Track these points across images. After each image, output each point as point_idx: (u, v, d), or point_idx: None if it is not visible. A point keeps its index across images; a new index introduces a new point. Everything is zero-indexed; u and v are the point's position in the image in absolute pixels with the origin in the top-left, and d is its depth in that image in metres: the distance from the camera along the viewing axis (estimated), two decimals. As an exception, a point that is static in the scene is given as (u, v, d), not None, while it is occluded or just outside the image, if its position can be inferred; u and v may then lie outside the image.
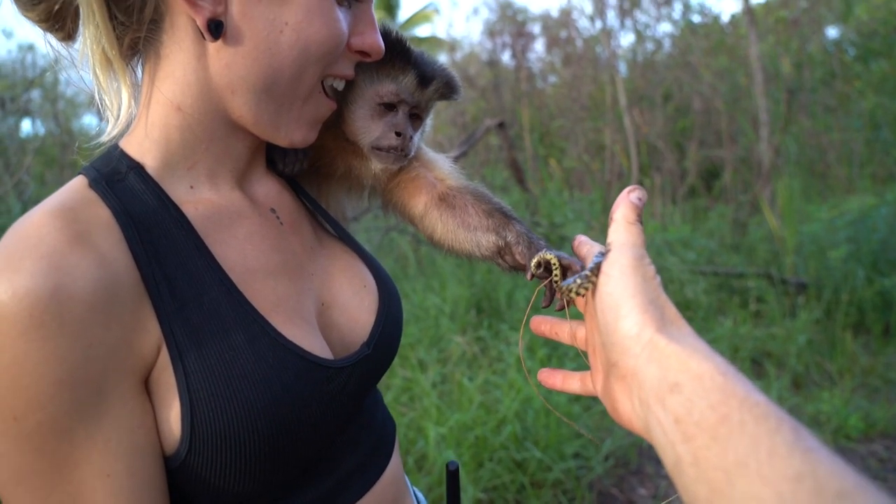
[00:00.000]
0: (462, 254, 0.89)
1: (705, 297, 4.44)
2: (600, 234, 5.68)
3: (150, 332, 0.59)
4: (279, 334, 0.65)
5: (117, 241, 0.60)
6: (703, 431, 0.44)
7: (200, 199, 0.71)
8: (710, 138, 8.43)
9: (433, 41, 11.28)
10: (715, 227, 6.18)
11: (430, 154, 0.95)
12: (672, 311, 0.54)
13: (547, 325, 0.77)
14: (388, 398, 3.20)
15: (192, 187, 0.71)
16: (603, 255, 0.61)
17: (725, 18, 10.08)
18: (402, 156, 0.85)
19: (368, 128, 0.84)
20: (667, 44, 9.31)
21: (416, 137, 0.87)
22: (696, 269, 4.72)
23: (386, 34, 0.80)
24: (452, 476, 0.95)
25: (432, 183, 0.91)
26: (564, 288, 0.63)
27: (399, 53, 0.83)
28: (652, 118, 8.29)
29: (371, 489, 0.76)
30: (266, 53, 0.65)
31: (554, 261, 0.70)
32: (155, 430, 0.60)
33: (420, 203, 0.90)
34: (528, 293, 4.33)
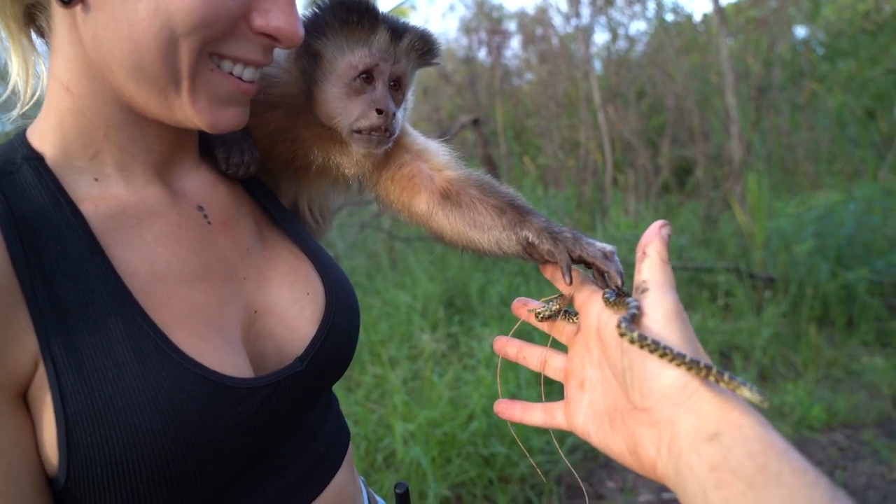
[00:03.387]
0: (481, 254, 0.81)
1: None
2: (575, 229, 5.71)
3: (27, 346, 0.53)
4: (177, 350, 0.58)
5: None
6: (738, 479, 0.45)
7: (105, 194, 0.65)
8: (683, 135, 8.52)
9: (409, 38, 11.15)
10: (686, 223, 6.25)
11: (421, 140, 0.86)
12: (707, 360, 0.53)
13: (513, 348, 0.73)
14: (357, 395, 3.18)
15: (96, 180, 0.65)
16: (641, 292, 0.58)
17: (698, 17, 10.21)
18: (387, 137, 0.76)
19: (345, 108, 0.75)
20: (640, 42, 9.40)
21: (400, 114, 0.78)
22: (666, 265, 4.77)
23: None
24: (401, 499, 0.90)
25: (429, 175, 0.83)
26: (612, 303, 0.58)
27: (364, 14, 0.74)
28: (626, 115, 8.35)
29: None
30: (124, 24, 0.57)
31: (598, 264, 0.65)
32: (34, 451, 0.54)
33: (422, 202, 0.82)
34: (501, 289, 4.34)
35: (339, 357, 0.76)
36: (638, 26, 12.60)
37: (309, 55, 0.76)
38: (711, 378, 0.52)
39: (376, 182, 0.86)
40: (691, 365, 0.52)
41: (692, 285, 4.74)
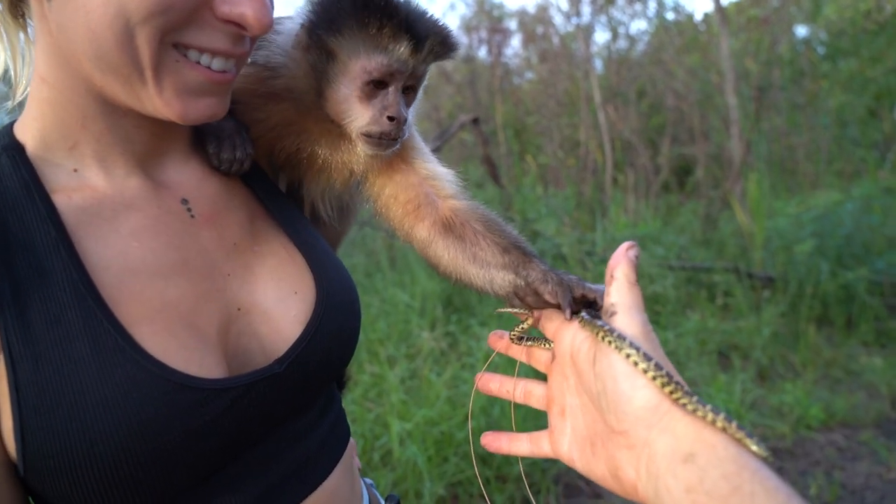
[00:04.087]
0: (471, 287, 0.80)
1: (674, 291, 4.48)
2: (572, 230, 5.71)
3: None
4: (136, 347, 0.57)
5: None
6: (714, 500, 0.46)
7: (83, 186, 0.64)
8: (683, 135, 8.52)
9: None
10: (686, 223, 6.25)
11: (431, 164, 0.84)
12: (678, 377, 0.54)
13: (496, 383, 0.73)
14: (354, 394, 3.18)
15: (76, 171, 0.64)
16: (610, 315, 0.59)
17: (699, 17, 10.20)
18: (395, 141, 0.74)
19: (356, 111, 0.73)
20: (641, 41, 9.40)
21: (410, 116, 0.77)
22: (665, 264, 4.77)
23: None
24: None
25: (433, 202, 0.81)
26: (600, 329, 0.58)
27: (387, 20, 0.69)
28: (626, 115, 8.35)
29: None
30: (81, 11, 0.55)
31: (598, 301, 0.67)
32: None
33: (423, 230, 0.81)
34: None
35: (328, 359, 0.74)
36: (639, 25, 12.64)
37: (321, 51, 0.73)
38: (678, 397, 0.52)
39: (378, 194, 0.84)
40: (660, 376, 0.53)
41: (691, 285, 4.73)
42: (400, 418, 2.85)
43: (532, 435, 0.68)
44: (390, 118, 0.72)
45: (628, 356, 0.54)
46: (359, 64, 0.71)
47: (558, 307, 0.68)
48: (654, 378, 0.53)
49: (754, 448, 0.48)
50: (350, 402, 3.11)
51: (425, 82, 0.81)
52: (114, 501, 0.56)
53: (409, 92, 0.77)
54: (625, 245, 0.61)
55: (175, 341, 0.60)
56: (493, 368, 0.78)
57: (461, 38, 10.56)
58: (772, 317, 4.17)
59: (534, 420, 2.56)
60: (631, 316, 0.58)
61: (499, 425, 2.83)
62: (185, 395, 0.58)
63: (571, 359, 0.62)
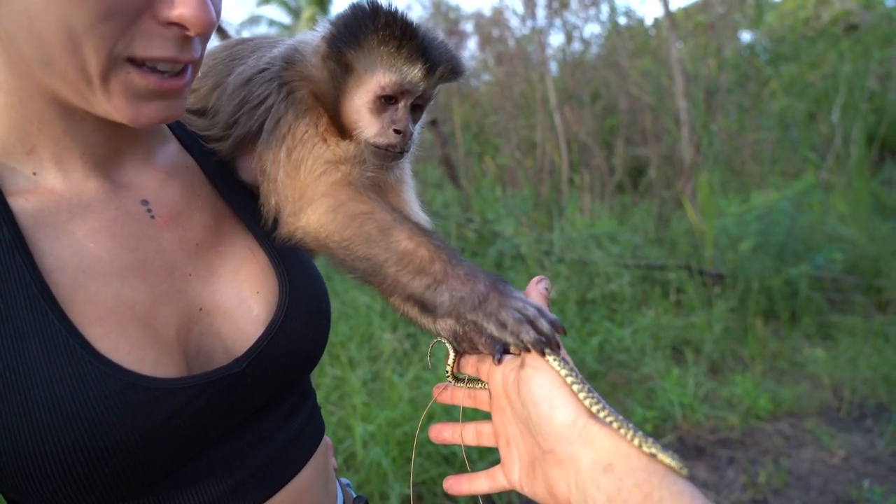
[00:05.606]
0: (416, 325, 0.83)
1: (630, 288, 4.60)
2: (530, 230, 5.79)
3: None
4: (87, 347, 0.58)
5: None
6: None
7: (40, 188, 0.64)
8: (636, 137, 8.75)
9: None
10: (640, 222, 6.41)
11: (412, 203, 0.86)
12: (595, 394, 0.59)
13: (449, 432, 0.78)
14: (318, 397, 3.15)
15: (35, 174, 0.64)
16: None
17: (649, 21, 10.49)
18: (401, 154, 0.77)
19: (366, 122, 0.76)
20: (595, 44, 9.59)
21: (416, 132, 0.80)
22: (620, 263, 4.89)
23: (392, 14, 0.72)
24: None
25: None
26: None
27: (406, 43, 0.73)
28: (581, 116, 8.51)
29: None
30: (23, 17, 0.55)
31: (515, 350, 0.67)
32: None
33: None
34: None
35: (292, 359, 0.74)
36: (592, 29, 12.85)
37: (339, 62, 0.75)
38: (605, 415, 0.56)
39: None
40: (589, 397, 0.57)
41: (645, 283, 4.87)
42: (363, 420, 2.84)
43: (489, 471, 0.72)
44: (397, 131, 0.76)
45: (570, 381, 0.59)
46: (374, 78, 0.74)
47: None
48: (584, 399, 0.58)
49: (668, 461, 0.52)
50: (312, 406, 3.08)
51: (432, 102, 0.84)
52: (68, 498, 0.57)
53: (416, 110, 0.80)
54: (535, 280, 0.68)
55: (128, 341, 0.61)
56: (441, 410, 0.81)
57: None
58: (722, 312, 4.32)
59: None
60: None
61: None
62: (136, 395, 0.58)
63: (504, 391, 0.66)
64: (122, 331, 0.61)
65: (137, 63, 0.60)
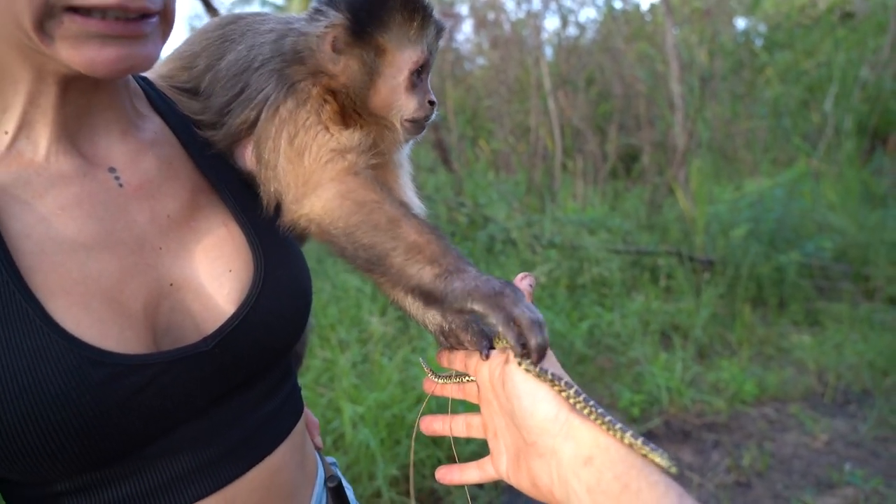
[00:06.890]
0: (406, 314, 0.84)
1: (620, 274, 4.62)
2: (522, 214, 5.78)
3: None
4: (47, 318, 0.57)
5: None
6: (609, 499, 0.53)
7: (14, 157, 0.63)
8: (630, 122, 8.72)
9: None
10: (632, 208, 6.42)
11: (407, 189, 0.86)
12: (576, 388, 0.60)
13: (439, 423, 0.79)
14: (307, 379, 3.16)
15: (6, 133, 0.63)
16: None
17: (645, 6, 10.42)
18: (427, 123, 0.80)
19: (405, 100, 0.76)
20: (590, 29, 9.53)
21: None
22: (611, 248, 4.90)
23: None
24: (334, 493, 0.88)
25: None
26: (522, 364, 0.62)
27: (423, 12, 0.75)
28: (575, 102, 8.47)
29: (222, 489, 0.69)
30: None
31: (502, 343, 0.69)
32: None
33: None
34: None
35: (266, 339, 0.72)
36: (588, 13, 12.77)
37: (369, 47, 0.75)
38: (586, 411, 0.58)
39: None
40: (561, 386, 0.59)
41: (636, 268, 4.89)
42: (352, 402, 2.85)
43: (479, 462, 0.74)
44: (431, 102, 0.78)
45: (553, 384, 0.60)
46: (405, 55, 0.75)
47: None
48: (567, 398, 0.59)
49: (658, 460, 0.53)
50: (302, 387, 3.09)
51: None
52: (28, 470, 0.57)
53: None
54: (519, 276, 0.69)
55: (90, 315, 0.60)
56: (434, 401, 0.82)
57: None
58: (711, 298, 4.35)
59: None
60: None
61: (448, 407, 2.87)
62: (95, 370, 0.58)
63: (491, 384, 0.67)
64: (86, 304, 0.60)
65: (83, 13, 0.57)
